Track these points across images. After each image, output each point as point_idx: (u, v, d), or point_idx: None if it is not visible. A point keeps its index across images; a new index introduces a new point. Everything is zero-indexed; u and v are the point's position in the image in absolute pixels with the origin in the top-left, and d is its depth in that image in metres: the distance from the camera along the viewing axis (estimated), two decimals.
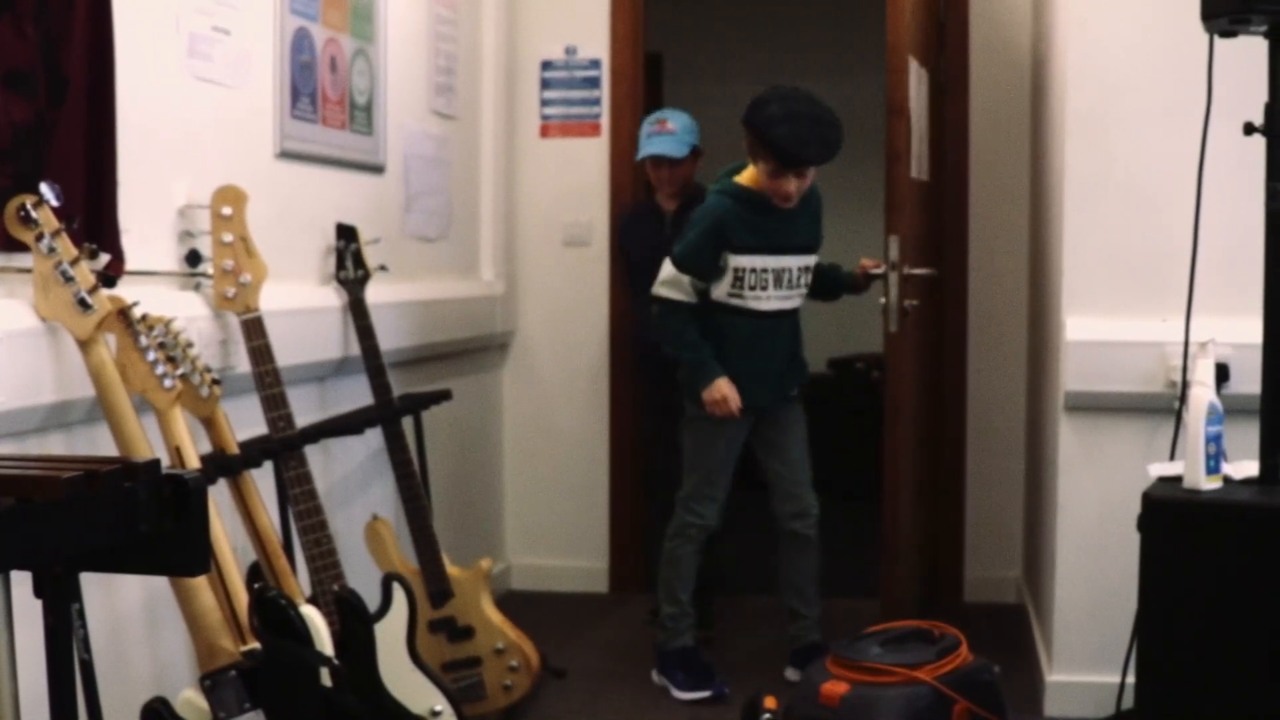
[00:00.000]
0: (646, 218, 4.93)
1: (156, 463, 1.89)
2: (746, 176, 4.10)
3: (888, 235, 4.19)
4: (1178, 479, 2.91)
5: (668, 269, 4.10)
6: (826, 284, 4.30)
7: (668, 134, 4.72)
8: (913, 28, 4.33)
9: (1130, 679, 3.23)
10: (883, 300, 4.21)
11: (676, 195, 4.77)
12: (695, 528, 4.23)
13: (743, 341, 4.10)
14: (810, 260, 4.16)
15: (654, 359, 4.71)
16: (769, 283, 4.06)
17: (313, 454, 3.42)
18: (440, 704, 3.35)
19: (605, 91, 5.29)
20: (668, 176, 4.75)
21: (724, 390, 4.04)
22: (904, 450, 4.28)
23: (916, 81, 4.38)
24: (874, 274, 4.32)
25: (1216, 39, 3.02)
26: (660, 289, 4.11)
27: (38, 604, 1.84)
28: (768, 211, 4.05)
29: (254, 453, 3.06)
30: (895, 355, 4.22)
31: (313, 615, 2.71)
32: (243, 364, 3.17)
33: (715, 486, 4.22)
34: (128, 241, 2.83)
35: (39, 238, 2.48)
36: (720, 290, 4.06)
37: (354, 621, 3.06)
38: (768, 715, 3.65)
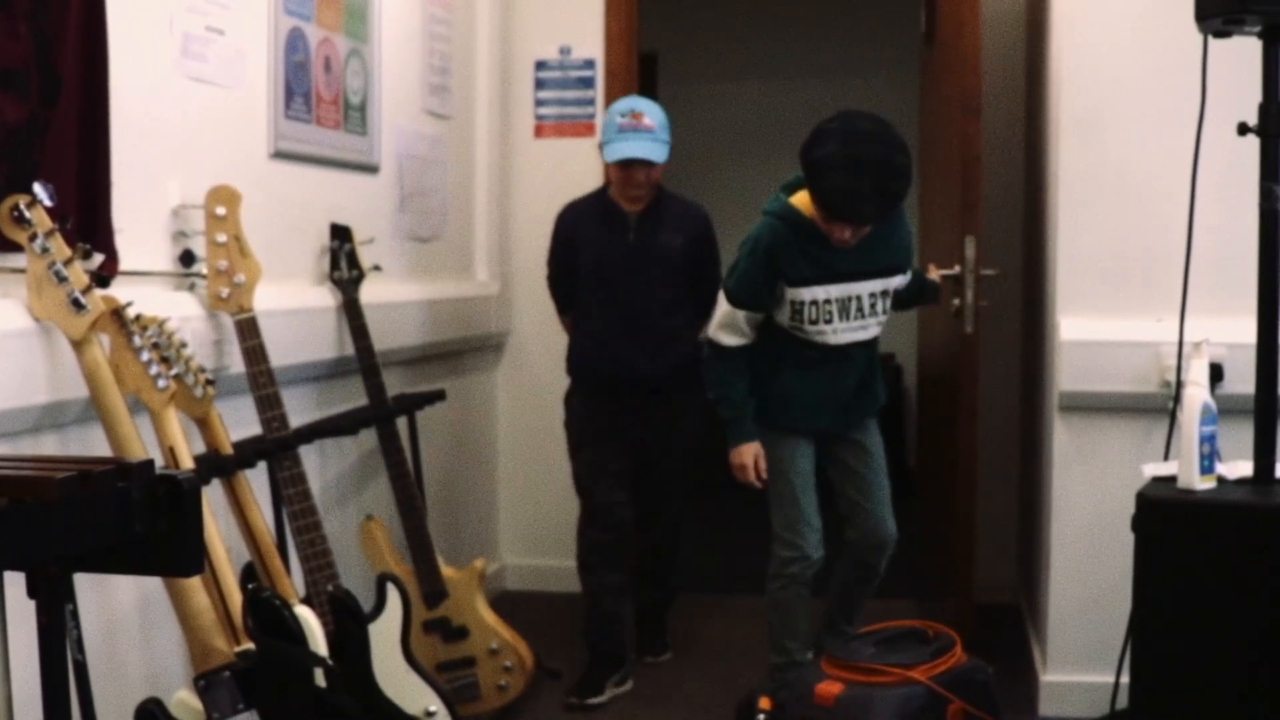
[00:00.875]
0: (605, 218, 4.28)
1: (150, 463, 1.88)
2: (804, 199, 3.59)
3: (964, 235, 4.16)
4: (1172, 479, 2.91)
5: (724, 308, 3.65)
6: (906, 297, 3.86)
7: (645, 131, 4.13)
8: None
9: (1124, 679, 3.23)
10: (956, 301, 4.15)
11: (645, 199, 4.23)
12: (795, 562, 3.71)
13: (806, 369, 3.70)
14: (891, 283, 3.65)
15: (603, 379, 4.28)
16: (833, 314, 3.60)
17: (307, 454, 3.41)
18: (435, 704, 3.34)
19: (599, 91, 5.28)
20: (644, 180, 4.17)
21: (746, 458, 3.68)
22: (976, 449, 4.31)
23: None
24: (946, 274, 4.15)
25: (1210, 39, 3.02)
26: (718, 333, 3.67)
27: (31, 605, 1.84)
28: (826, 240, 3.55)
29: (248, 453, 3.06)
30: (970, 356, 4.22)
31: (307, 616, 2.71)
32: (237, 364, 3.16)
33: (801, 510, 3.71)
34: (121, 242, 2.83)
35: (32, 238, 2.48)
36: (782, 318, 3.64)
37: (348, 622, 3.06)
38: (762, 715, 3.65)
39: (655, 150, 4.13)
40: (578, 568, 4.36)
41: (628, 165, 4.14)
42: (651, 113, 4.17)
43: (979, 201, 4.20)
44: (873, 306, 3.65)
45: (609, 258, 4.25)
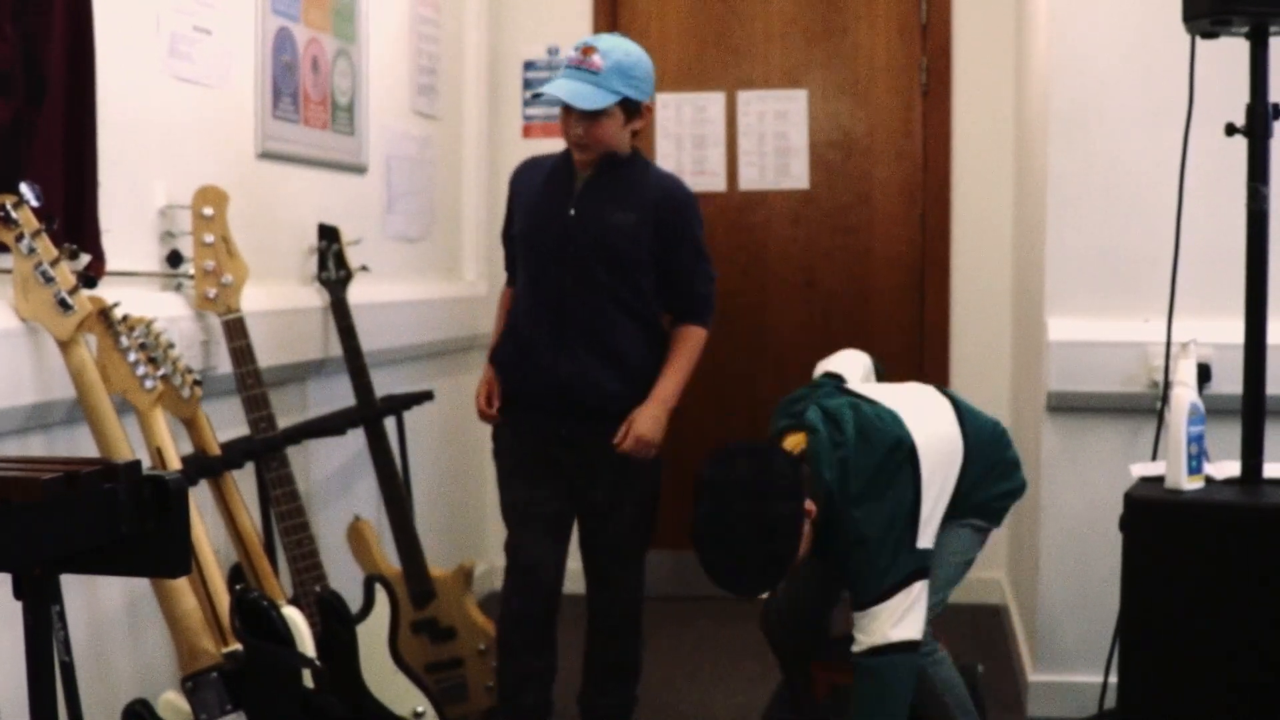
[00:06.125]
0: (551, 179, 3.30)
1: (137, 464, 1.88)
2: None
3: None
4: (1160, 479, 2.91)
5: (914, 595, 2.94)
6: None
7: (588, 70, 3.11)
8: None
9: (1112, 679, 3.24)
10: None
11: (595, 162, 3.24)
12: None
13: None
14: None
15: (525, 393, 3.31)
16: None
17: (294, 455, 3.40)
18: (422, 705, 3.34)
19: None
20: (584, 135, 3.17)
21: None
22: None
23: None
24: None
25: (1198, 40, 3.03)
26: (910, 628, 2.96)
27: (18, 606, 1.83)
28: None
29: (235, 454, 3.05)
30: None
31: (294, 616, 2.71)
32: (224, 365, 3.16)
33: None
34: (108, 242, 2.82)
35: (19, 238, 2.47)
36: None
37: (336, 623, 3.05)
38: None
39: (587, 94, 3.10)
40: (496, 646, 3.47)
41: (564, 110, 3.19)
42: (609, 51, 3.15)
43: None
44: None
45: (540, 231, 3.27)
